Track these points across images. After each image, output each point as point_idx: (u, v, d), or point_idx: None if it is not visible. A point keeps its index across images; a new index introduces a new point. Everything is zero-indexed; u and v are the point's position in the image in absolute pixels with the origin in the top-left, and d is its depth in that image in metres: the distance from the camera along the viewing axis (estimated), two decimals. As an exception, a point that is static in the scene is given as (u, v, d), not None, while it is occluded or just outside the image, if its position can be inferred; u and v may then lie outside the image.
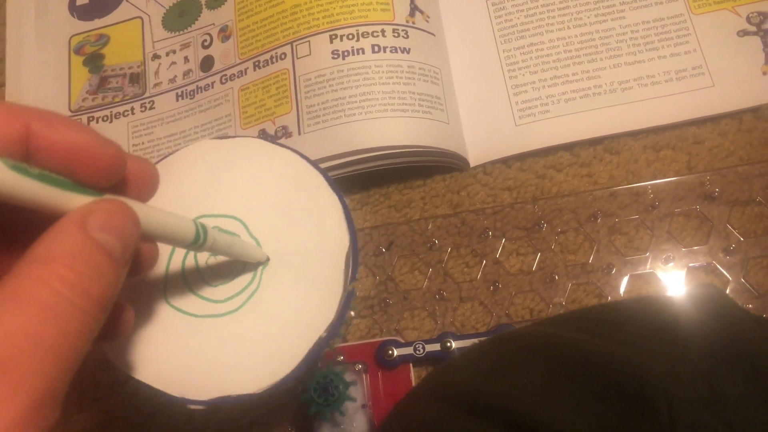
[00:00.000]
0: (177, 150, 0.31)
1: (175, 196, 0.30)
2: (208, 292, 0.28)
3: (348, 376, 0.33)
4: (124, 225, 0.19)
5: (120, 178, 0.21)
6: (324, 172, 0.30)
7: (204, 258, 0.29)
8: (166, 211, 0.22)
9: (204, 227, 0.24)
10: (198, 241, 0.24)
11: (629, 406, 0.23)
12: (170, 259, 0.29)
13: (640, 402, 0.23)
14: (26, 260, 0.17)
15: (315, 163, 0.30)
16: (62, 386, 0.17)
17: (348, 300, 0.28)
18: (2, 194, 0.17)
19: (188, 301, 0.28)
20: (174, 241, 0.23)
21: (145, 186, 0.23)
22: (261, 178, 0.30)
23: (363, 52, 0.38)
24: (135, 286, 0.29)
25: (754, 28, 0.40)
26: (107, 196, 0.20)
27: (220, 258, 0.29)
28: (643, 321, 0.27)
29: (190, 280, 0.29)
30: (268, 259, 0.29)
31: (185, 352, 0.27)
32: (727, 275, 0.36)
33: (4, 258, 0.21)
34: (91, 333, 0.18)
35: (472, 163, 0.40)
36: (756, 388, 0.24)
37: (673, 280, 0.37)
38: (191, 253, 0.29)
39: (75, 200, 0.19)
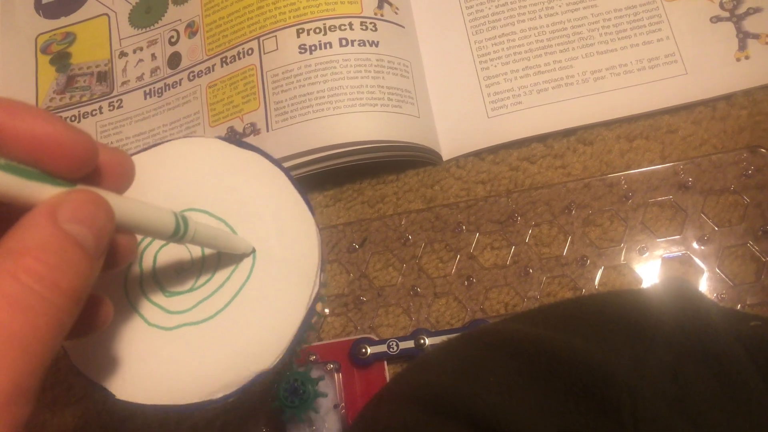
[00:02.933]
0: (146, 149, 0.31)
1: (145, 194, 0.29)
2: (182, 298, 0.28)
3: (318, 377, 0.33)
4: (96, 216, 0.19)
5: (91, 169, 0.20)
6: (282, 167, 0.30)
7: (169, 257, 0.29)
8: (143, 201, 0.22)
9: (185, 218, 0.24)
10: (178, 232, 0.23)
11: (593, 404, 0.23)
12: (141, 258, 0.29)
13: (604, 400, 0.23)
14: None
15: (274, 159, 0.30)
16: (33, 382, 0.17)
17: (321, 271, 0.28)
18: None
19: (164, 308, 0.28)
20: (152, 232, 0.23)
21: (120, 177, 0.22)
22: (223, 176, 0.30)
23: (330, 46, 0.38)
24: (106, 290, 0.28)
25: (727, 14, 0.39)
26: (79, 187, 0.19)
27: (181, 256, 0.28)
28: (611, 316, 0.27)
29: (162, 281, 0.28)
30: (253, 250, 0.28)
31: (172, 359, 0.27)
32: (702, 265, 0.36)
33: None
34: (62, 327, 0.18)
35: (445, 156, 0.40)
36: (721, 383, 0.23)
37: (648, 271, 0.36)
38: (150, 253, 0.29)
39: (44, 191, 0.18)
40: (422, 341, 0.35)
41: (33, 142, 0.18)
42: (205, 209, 0.29)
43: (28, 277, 0.17)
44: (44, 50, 0.45)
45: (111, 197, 0.20)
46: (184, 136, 0.39)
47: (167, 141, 0.31)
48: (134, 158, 0.28)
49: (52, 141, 0.19)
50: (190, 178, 0.30)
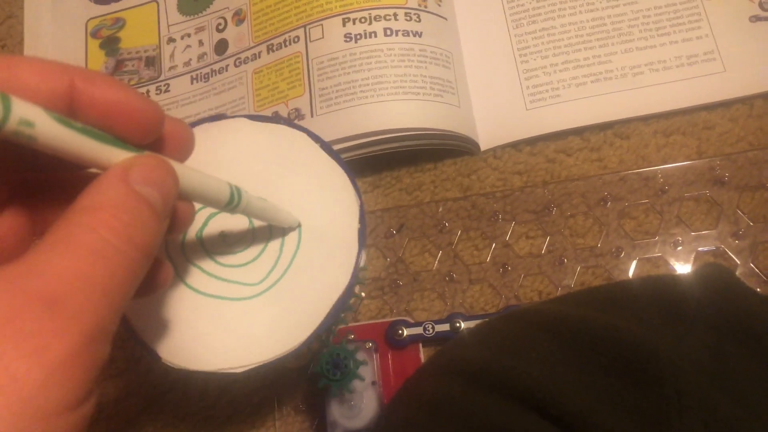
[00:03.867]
0: (197, 123, 0.32)
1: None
2: (237, 272, 0.29)
3: (359, 354, 0.34)
4: (164, 180, 0.20)
5: (158, 136, 0.22)
6: (331, 149, 0.31)
7: (217, 230, 0.30)
8: (202, 171, 0.23)
9: (238, 189, 0.25)
10: (233, 202, 0.24)
11: (636, 379, 0.24)
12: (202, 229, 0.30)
13: (647, 375, 0.24)
14: (73, 209, 0.18)
15: (324, 141, 0.31)
16: (111, 325, 0.18)
17: (363, 240, 0.29)
18: (48, 146, 0.17)
19: (218, 283, 0.29)
20: (209, 201, 0.24)
21: (181, 147, 0.23)
22: (260, 152, 0.31)
23: (375, 36, 0.39)
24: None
25: (766, 14, 0.40)
26: (147, 153, 0.21)
27: (236, 229, 0.30)
28: (650, 298, 0.27)
29: (213, 253, 0.29)
30: (299, 225, 0.29)
31: (222, 328, 0.28)
32: (736, 260, 0.36)
33: (49, 211, 0.22)
34: (135, 278, 0.19)
35: (483, 146, 0.41)
36: (761, 363, 0.24)
37: (682, 264, 0.37)
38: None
39: (116, 154, 0.20)
40: (458, 325, 0.36)
41: (107, 108, 0.20)
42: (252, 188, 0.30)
43: (106, 230, 0.18)
44: (94, 35, 0.47)
45: (174, 164, 0.21)
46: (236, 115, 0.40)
47: (219, 119, 0.32)
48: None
49: (124, 108, 0.20)
50: (238, 156, 0.31)
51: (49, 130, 0.17)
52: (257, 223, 0.30)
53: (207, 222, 0.30)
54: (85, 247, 0.17)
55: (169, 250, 0.30)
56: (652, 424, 0.23)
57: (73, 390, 0.17)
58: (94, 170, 0.20)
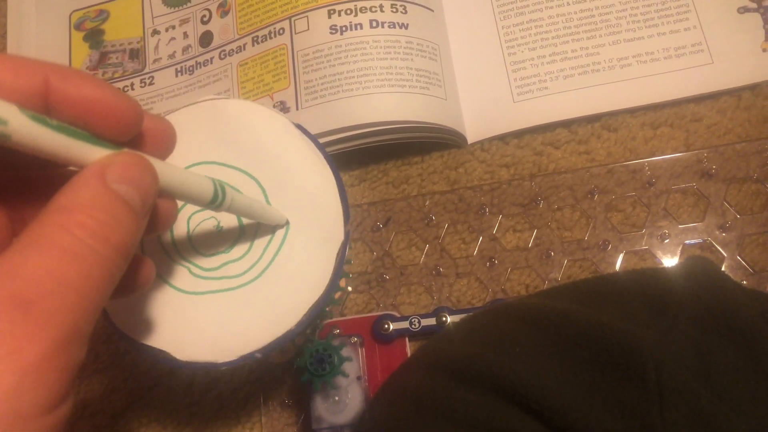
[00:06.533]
0: (179, 108, 0.31)
1: (186, 148, 0.30)
2: (222, 262, 0.29)
3: (344, 351, 0.34)
4: (142, 177, 0.20)
5: (136, 133, 0.21)
6: (318, 142, 0.30)
7: (200, 227, 0.29)
8: (184, 169, 0.23)
9: (222, 186, 0.24)
10: (216, 200, 0.24)
11: (618, 373, 0.24)
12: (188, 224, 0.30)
13: (629, 369, 0.23)
14: (48, 209, 0.18)
15: (311, 134, 0.31)
16: (86, 326, 0.18)
17: (346, 234, 0.29)
18: (22, 144, 0.17)
19: (193, 273, 0.29)
20: (192, 198, 0.23)
21: (162, 144, 0.23)
22: (259, 139, 0.30)
23: (361, 27, 0.38)
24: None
25: (754, 5, 0.40)
26: (125, 150, 0.20)
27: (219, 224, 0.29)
28: (635, 292, 0.27)
29: (192, 249, 0.29)
30: (287, 223, 0.29)
31: (208, 321, 0.28)
32: (723, 252, 0.36)
33: (28, 210, 0.22)
34: (112, 278, 0.19)
35: (470, 139, 0.40)
36: (745, 357, 0.24)
37: (669, 256, 0.37)
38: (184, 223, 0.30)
39: (94, 152, 0.19)
40: (444, 319, 0.36)
41: (84, 106, 0.20)
42: (245, 169, 0.30)
43: (81, 231, 0.18)
44: (78, 27, 0.46)
45: (154, 162, 0.21)
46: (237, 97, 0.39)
47: (218, 98, 0.31)
48: (186, 109, 0.29)
49: (101, 105, 0.20)
50: (231, 136, 0.30)
51: (22, 127, 0.17)
52: (243, 220, 0.29)
53: (190, 220, 0.30)
54: (59, 248, 0.17)
55: (148, 248, 0.30)
56: (634, 419, 0.23)
57: (48, 393, 0.16)
58: (74, 168, 0.20)
